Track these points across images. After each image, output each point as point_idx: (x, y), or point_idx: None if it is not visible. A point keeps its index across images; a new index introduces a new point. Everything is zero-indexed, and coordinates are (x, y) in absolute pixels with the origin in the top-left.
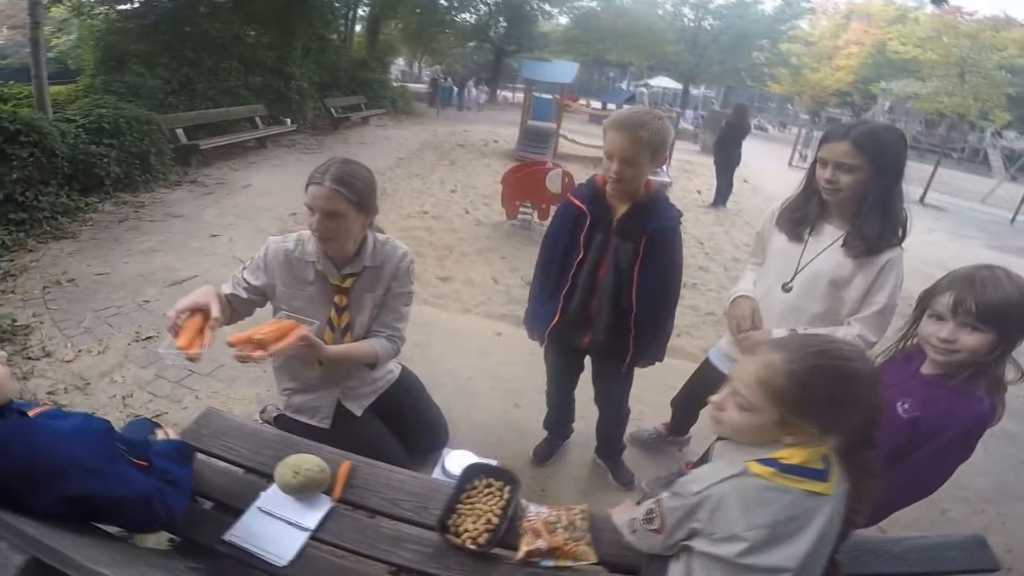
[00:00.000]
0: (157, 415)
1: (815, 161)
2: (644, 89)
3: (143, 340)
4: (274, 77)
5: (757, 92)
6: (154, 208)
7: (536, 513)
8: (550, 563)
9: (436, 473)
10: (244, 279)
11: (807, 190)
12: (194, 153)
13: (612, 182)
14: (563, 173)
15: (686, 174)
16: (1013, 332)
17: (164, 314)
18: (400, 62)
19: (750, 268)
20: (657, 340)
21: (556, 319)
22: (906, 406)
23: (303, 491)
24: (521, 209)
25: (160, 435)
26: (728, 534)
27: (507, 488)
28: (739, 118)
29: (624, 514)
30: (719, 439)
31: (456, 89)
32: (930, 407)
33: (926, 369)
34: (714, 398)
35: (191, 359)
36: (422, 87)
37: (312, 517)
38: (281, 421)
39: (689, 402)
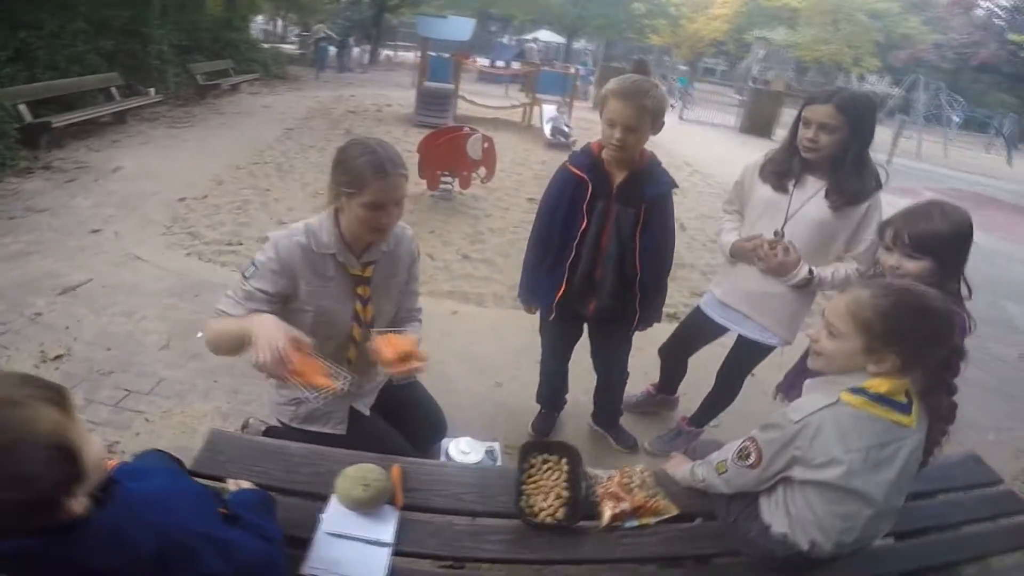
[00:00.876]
0: (109, 446)
1: (797, 120)
2: (534, 44)
3: (53, 360)
4: (128, 40)
5: (637, 44)
6: (8, 202)
7: (608, 477)
8: (634, 523)
9: None
10: (258, 290)
11: (790, 147)
12: (43, 133)
13: (614, 149)
14: (483, 138)
15: (585, 132)
16: (947, 259)
17: (262, 366)
18: (260, 20)
19: (728, 217)
20: (657, 302)
21: (563, 289)
22: None
23: (374, 504)
24: (442, 179)
25: (231, 485)
26: (828, 458)
27: (563, 460)
28: (642, 72)
29: (680, 467)
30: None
31: (335, 49)
32: None
33: None
34: (810, 333)
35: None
36: (291, 48)
37: (385, 530)
38: (277, 433)
39: (680, 351)
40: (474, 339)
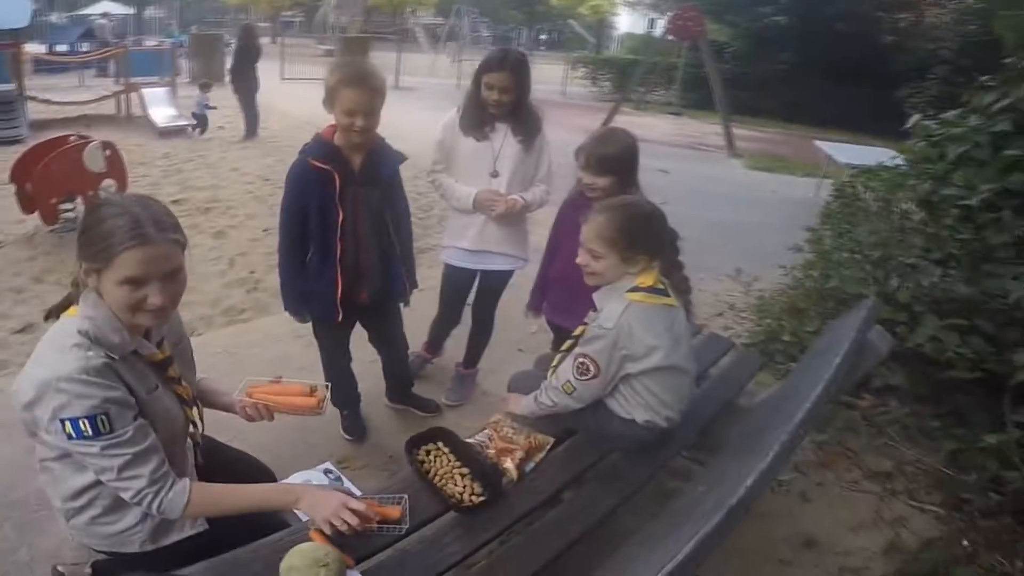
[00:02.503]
0: None
1: (478, 84)
2: (105, 20)
3: None
4: None
5: (210, 6)
6: None
7: (488, 438)
8: (532, 464)
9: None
10: (129, 429)
11: (477, 103)
12: None
13: (357, 137)
14: (102, 144)
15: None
16: (623, 173)
17: None
18: None
19: (442, 175)
20: (413, 268)
21: (340, 287)
22: None
23: None
24: (62, 207)
25: None
26: (648, 347)
27: (439, 444)
28: (249, 40)
29: (520, 404)
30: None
31: None
32: None
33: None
34: (579, 260)
35: None
36: None
37: None
38: (115, 569)
39: (452, 310)
40: (215, 368)
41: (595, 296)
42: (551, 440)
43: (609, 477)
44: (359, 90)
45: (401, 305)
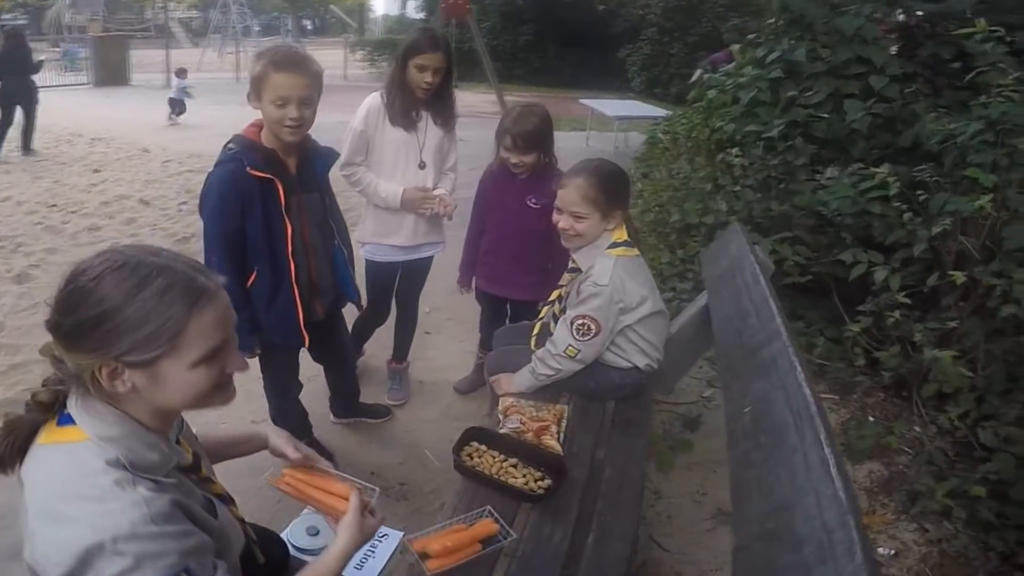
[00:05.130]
0: None
1: (403, 67)
2: None
3: None
4: None
5: None
6: None
7: (520, 423)
8: (560, 435)
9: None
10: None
11: (404, 90)
12: None
13: (291, 132)
14: None
15: None
16: (548, 146)
17: None
18: None
19: (361, 169)
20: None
21: (299, 309)
22: (534, 200)
23: None
24: None
25: None
26: (639, 297)
27: (475, 443)
28: (17, 45)
29: (514, 382)
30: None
31: None
32: (549, 195)
33: (524, 177)
34: (561, 225)
35: None
36: None
37: None
38: None
39: (383, 305)
40: None
41: (576, 256)
42: (563, 409)
43: (626, 425)
44: (293, 74)
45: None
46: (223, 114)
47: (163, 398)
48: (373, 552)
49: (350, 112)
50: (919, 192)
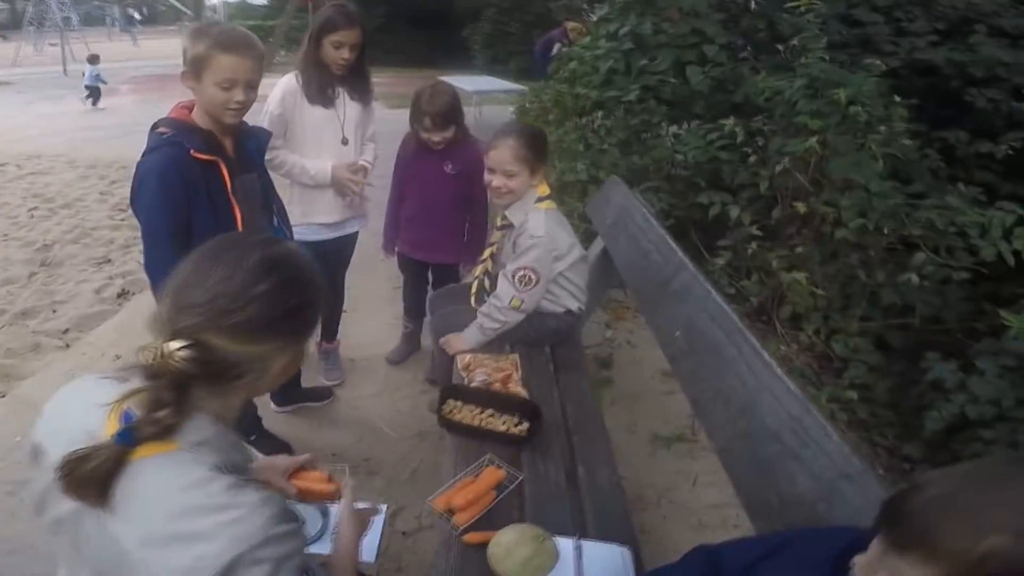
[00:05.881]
0: None
1: (318, 45)
2: None
3: None
4: None
5: None
6: None
7: (487, 375)
8: (520, 381)
9: None
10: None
11: (320, 67)
12: None
13: (234, 115)
14: None
15: None
16: (460, 119)
17: None
18: None
19: (283, 152)
20: None
21: None
22: (450, 166)
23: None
24: None
25: None
26: (568, 245)
27: (452, 400)
28: None
29: (463, 339)
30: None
31: None
32: (464, 162)
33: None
34: (494, 184)
35: None
36: None
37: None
38: None
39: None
40: None
41: (508, 213)
42: (515, 356)
43: (567, 366)
44: (241, 56)
45: None
46: (56, 111)
47: (265, 386)
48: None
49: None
50: (756, 139)
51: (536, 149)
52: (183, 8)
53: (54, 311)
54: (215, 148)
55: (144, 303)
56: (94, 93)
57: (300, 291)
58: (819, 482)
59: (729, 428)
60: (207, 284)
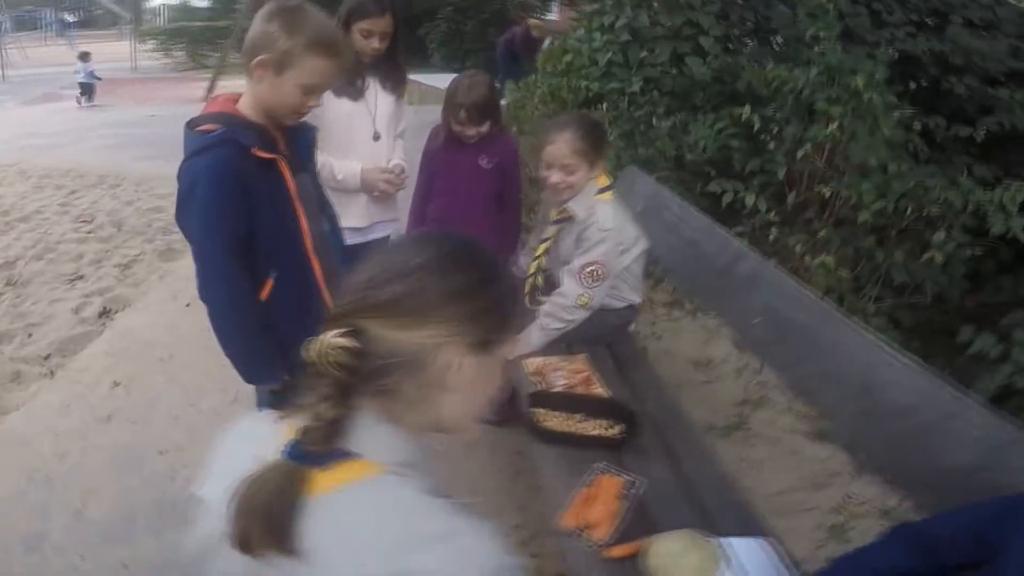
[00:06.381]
0: None
1: (344, 33)
2: None
3: None
4: None
5: None
6: None
7: (563, 378)
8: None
9: None
10: None
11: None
12: None
13: (299, 117)
14: None
15: None
16: (498, 112)
17: None
18: None
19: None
20: None
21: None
22: (485, 160)
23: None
24: None
25: None
26: (633, 237)
27: (541, 410)
28: None
29: (525, 342)
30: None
31: None
32: (496, 156)
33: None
34: (553, 180)
35: None
36: None
37: None
38: None
39: None
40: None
41: (571, 205)
42: (583, 356)
43: (631, 362)
44: (337, 62)
45: None
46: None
47: (457, 406)
48: None
49: (150, 104)
50: (771, 127)
51: (594, 140)
52: (119, 11)
53: (30, 335)
54: (272, 145)
55: (132, 322)
56: (87, 90)
57: (466, 270)
58: (976, 451)
59: (851, 406)
60: (370, 265)
